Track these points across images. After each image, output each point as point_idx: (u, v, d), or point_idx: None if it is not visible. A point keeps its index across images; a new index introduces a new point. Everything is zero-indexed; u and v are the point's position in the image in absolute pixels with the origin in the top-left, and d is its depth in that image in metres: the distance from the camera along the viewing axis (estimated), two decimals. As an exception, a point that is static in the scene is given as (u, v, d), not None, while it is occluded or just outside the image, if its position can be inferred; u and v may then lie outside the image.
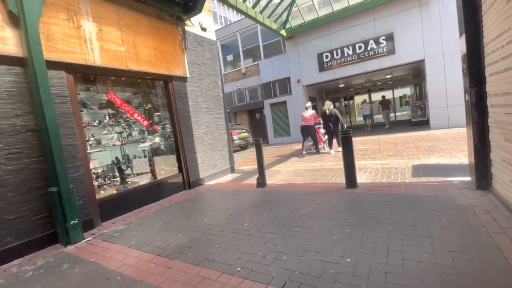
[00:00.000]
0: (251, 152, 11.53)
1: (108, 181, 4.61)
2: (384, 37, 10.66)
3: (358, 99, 22.13)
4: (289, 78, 13.34)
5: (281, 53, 13.63)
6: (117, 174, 4.78)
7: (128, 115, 4.77)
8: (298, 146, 10.99)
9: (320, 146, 8.47)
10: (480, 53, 2.85)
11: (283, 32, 12.33)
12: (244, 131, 12.94)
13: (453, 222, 2.41)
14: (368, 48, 11.03)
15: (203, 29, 6.24)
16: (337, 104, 21.37)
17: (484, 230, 2.19)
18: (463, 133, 8.03)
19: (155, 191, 4.84)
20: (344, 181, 4.04)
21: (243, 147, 13.31)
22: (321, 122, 8.38)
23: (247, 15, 9.80)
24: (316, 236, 2.52)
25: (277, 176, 5.70)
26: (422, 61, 10.30)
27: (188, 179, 5.40)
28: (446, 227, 2.35)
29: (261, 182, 4.73)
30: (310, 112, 8.07)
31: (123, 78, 4.87)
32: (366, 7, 10.68)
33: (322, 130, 8.68)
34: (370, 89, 18.34)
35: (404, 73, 15.11)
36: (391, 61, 10.70)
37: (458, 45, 9.20)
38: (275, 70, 13.68)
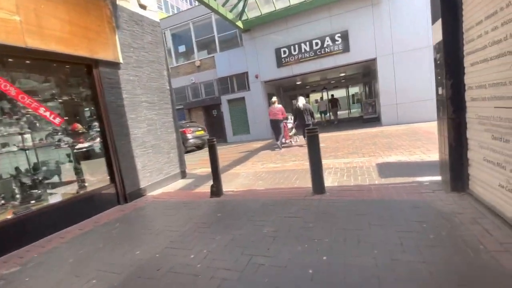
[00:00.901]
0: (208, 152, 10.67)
1: (2, 202, 3.34)
2: (339, 35, 10.72)
3: (314, 97, 22.76)
4: (247, 73, 12.69)
5: (238, 46, 12.88)
6: (16, 190, 3.51)
7: (32, 110, 3.51)
8: (258, 145, 10.47)
9: (287, 141, 8.89)
10: (458, 40, 2.55)
11: (239, 23, 11.59)
12: (199, 129, 11.89)
13: (443, 238, 2.02)
14: (325, 45, 11.01)
15: (142, 6, 5.15)
16: (294, 102, 21.61)
17: (483, 248, 1.82)
18: (412, 129, 8.42)
19: (75, 210, 3.70)
20: (309, 184, 3.53)
21: (199, 147, 12.26)
22: (290, 117, 9.03)
23: (200, 1, 8.82)
24: (285, 270, 1.89)
25: (235, 180, 5.00)
26: (374, 59, 10.64)
27: (124, 191, 4.34)
28: (438, 245, 1.94)
29: (216, 190, 3.97)
30: (277, 107, 8.25)
31: (25, 61, 3.59)
32: (322, 2, 10.59)
33: (290, 125, 9.04)
34: (325, 87, 18.84)
35: (355, 72, 15.76)
36: (346, 59, 10.84)
37: (407, 45, 9.58)
38: (232, 64, 12.90)
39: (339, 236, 2.26)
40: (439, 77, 2.87)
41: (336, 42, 10.83)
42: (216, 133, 14.30)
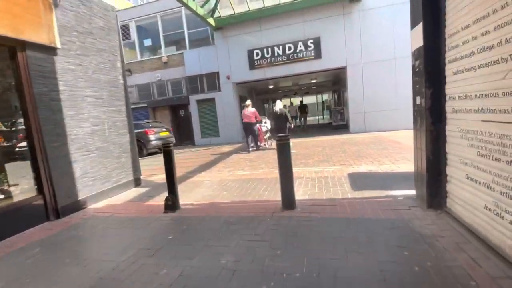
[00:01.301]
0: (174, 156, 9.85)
1: None
2: (312, 41, 10.73)
3: (285, 102, 22.95)
4: (218, 73, 12.14)
5: (209, 44, 12.29)
6: None
7: None
8: (227, 149, 9.95)
9: (262, 144, 8.88)
10: (440, 46, 2.36)
11: (211, 20, 11.04)
12: (164, 129, 11.01)
13: (429, 271, 1.74)
14: (297, 50, 10.94)
15: (92, -15, 4.40)
16: (265, 106, 21.49)
17: (475, 284, 1.56)
18: (378, 137, 8.59)
19: (-20, 230, 2.86)
20: (279, 197, 3.14)
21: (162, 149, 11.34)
22: (265, 120, 9.39)
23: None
24: (244, 324, 1.44)
25: (197, 190, 4.44)
26: (344, 68, 10.82)
27: (55, 204, 3.53)
28: (426, 281, 1.65)
29: (171, 204, 3.40)
30: (251, 110, 8.23)
31: None
32: (296, 7, 10.52)
33: (264, 128, 9.20)
34: (296, 92, 18.99)
35: (326, 79, 16.08)
36: (318, 65, 10.88)
37: (375, 56, 9.84)
38: (203, 62, 12.25)
39: (312, 268, 1.87)
40: (417, 86, 2.69)
41: (309, 48, 10.82)
42: (183, 135, 13.46)
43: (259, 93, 18.20)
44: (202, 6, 10.23)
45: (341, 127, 13.09)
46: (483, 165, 1.87)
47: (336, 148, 7.51)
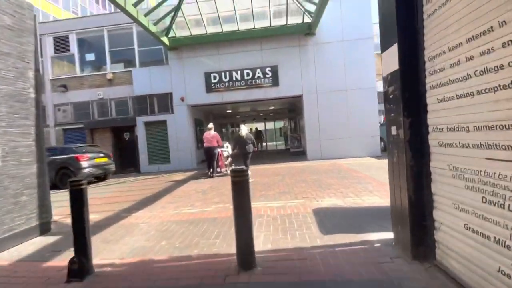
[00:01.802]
0: (112, 186, 8.36)
1: None
2: (269, 68, 10.77)
3: (243, 128, 22.78)
4: (171, 94, 11.25)
5: (162, 64, 11.47)
6: None
7: None
8: (178, 177, 8.84)
9: (222, 170, 8.62)
10: (418, 71, 2.07)
11: (165, 39, 10.37)
12: (101, 155, 9.40)
13: None
14: (255, 77, 10.84)
15: (-5, -29, 3.41)
16: (223, 130, 20.90)
17: None
18: (336, 165, 8.54)
19: None
20: (233, 247, 2.39)
21: (100, 178, 9.64)
22: (226, 145, 9.20)
23: (117, 5, 7.30)
24: None
25: (127, 239, 3.38)
26: (301, 96, 11.02)
27: None
28: None
29: (79, 269, 2.34)
30: (212, 133, 8.09)
31: None
32: (254, 35, 10.59)
33: (225, 153, 8.96)
34: (254, 118, 18.95)
35: (283, 107, 16.38)
36: (275, 92, 10.87)
37: (328, 86, 10.22)
38: (154, 82, 11.27)
39: None
40: (392, 114, 2.36)
41: (267, 76, 10.82)
42: (126, 161, 11.84)
43: (217, 117, 17.61)
44: (155, 24, 9.56)
45: (299, 153, 13.09)
46: (494, 215, 1.47)
47: (296, 176, 7.13)
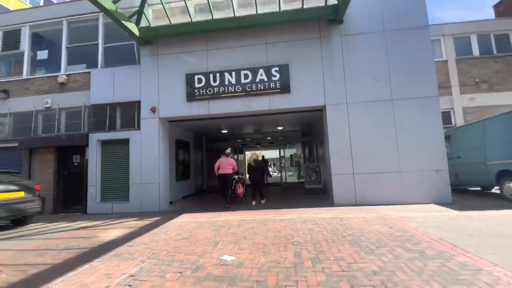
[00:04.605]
0: (6, 243, 4.69)
1: None
2: (277, 69, 7.54)
3: (248, 154, 19.38)
4: (139, 102, 8.10)
5: (133, 63, 8.51)
6: None
7: None
8: (139, 223, 5.22)
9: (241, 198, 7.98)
10: None
11: (133, 27, 7.48)
12: (13, 187, 6.04)
13: None
14: (257, 80, 7.59)
15: None
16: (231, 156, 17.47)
17: None
18: (387, 220, 4.60)
19: None
20: None
21: (16, 221, 6.26)
22: (241, 171, 8.71)
23: None
24: None
25: None
26: (322, 109, 7.59)
27: None
28: None
29: None
30: (229, 160, 7.47)
31: None
32: (256, 23, 7.56)
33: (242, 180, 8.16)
34: (259, 142, 15.48)
35: (295, 129, 12.95)
36: (285, 102, 7.49)
37: (366, 94, 6.21)
38: (118, 87, 8.23)
39: None
40: None
41: (273, 78, 7.55)
42: (71, 196, 8.37)
43: (211, 140, 14.29)
44: (114, 2, 6.71)
45: (317, 191, 9.30)
46: None
47: (326, 252, 3.37)
